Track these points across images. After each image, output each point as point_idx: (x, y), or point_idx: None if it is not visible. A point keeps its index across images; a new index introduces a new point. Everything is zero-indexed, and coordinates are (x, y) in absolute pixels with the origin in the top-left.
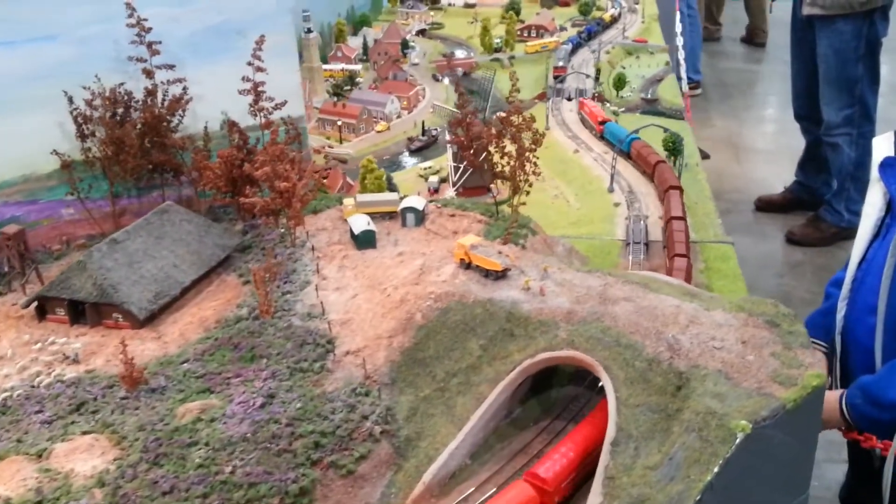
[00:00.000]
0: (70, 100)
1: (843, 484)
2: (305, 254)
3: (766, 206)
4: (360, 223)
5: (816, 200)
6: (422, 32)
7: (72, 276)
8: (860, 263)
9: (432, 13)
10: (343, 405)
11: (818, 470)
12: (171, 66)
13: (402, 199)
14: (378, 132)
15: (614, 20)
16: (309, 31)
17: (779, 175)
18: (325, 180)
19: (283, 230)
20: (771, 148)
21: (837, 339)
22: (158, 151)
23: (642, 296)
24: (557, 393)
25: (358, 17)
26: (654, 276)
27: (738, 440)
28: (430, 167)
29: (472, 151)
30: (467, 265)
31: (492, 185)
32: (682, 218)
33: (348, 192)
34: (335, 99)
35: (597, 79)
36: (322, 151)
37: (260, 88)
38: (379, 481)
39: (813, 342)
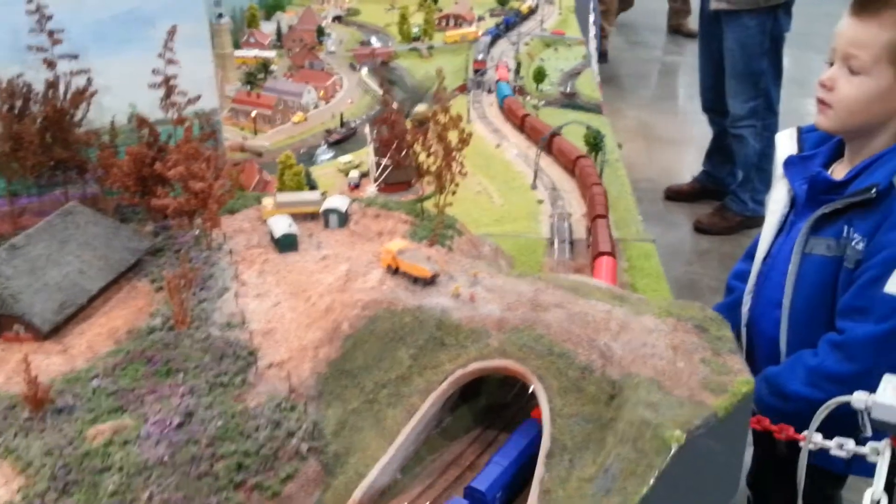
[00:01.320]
0: None
1: (750, 469)
2: (223, 258)
3: (674, 195)
4: (281, 225)
5: (723, 190)
6: (338, 19)
7: None
8: (765, 258)
9: None
10: (267, 422)
11: None
12: (75, 56)
13: (323, 198)
14: (295, 123)
15: (532, 11)
16: (220, 15)
17: (688, 165)
18: (240, 175)
19: (198, 232)
20: (681, 138)
21: (743, 331)
22: (61, 147)
23: (573, 301)
24: (488, 400)
25: (272, 1)
26: (584, 281)
27: (672, 451)
28: (350, 161)
29: (396, 149)
30: (395, 271)
31: (415, 182)
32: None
33: (265, 188)
34: (248, 88)
35: (517, 72)
36: (239, 145)
37: (172, 82)
38: (306, 502)
39: None
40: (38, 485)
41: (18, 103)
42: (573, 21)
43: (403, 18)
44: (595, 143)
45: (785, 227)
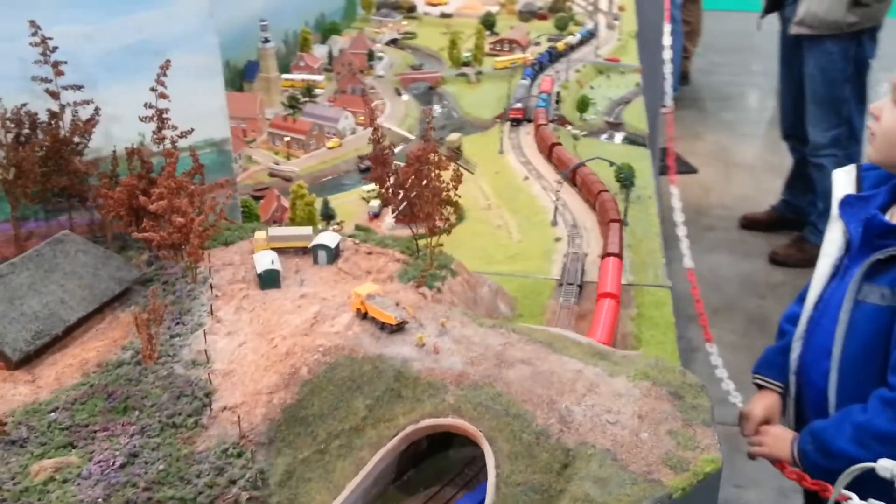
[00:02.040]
0: None
1: None
2: (203, 292)
3: (750, 224)
4: (263, 261)
5: (802, 220)
6: (393, 42)
7: None
8: (816, 303)
9: (405, 22)
10: (210, 468)
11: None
12: (79, 87)
13: (315, 234)
14: (329, 149)
15: (570, 48)
16: (266, 40)
17: (767, 193)
18: (260, 201)
19: (184, 264)
20: (760, 164)
21: (792, 379)
22: (60, 176)
23: (543, 358)
24: (455, 454)
25: (328, 24)
26: (563, 335)
27: None
28: (372, 190)
29: (388, 189)
30: (364, 315)
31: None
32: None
33: (282, 216)
34: (290, 112)
35: (557, 101)
36: (268, 170)
37: (164, 115)
38: None
39: (768, 381)
40: None
41: (25, 132)
42: (632, 47)
43: (453, 43)
44: (623, 180)
45: (839, 272)
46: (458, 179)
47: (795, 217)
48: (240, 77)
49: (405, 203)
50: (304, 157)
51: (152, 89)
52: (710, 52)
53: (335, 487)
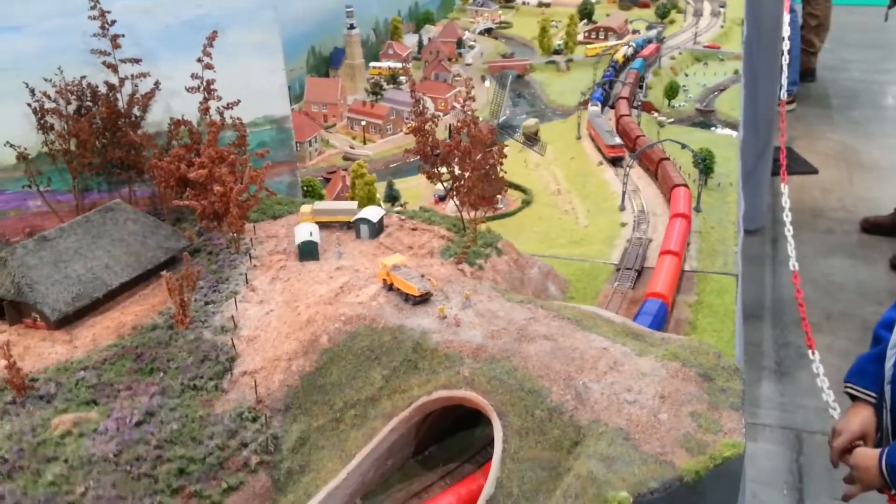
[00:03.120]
0: (32, 92)
1: None
2: (245, 262)
3: (872, 227)
4: (302, 233)
5: None
6: (487, 31)
7: None
8: None
9: (501, 12)
10: (224, 430)
11: None
12: (137, 61)
13: (359, 209)
14: (406, 134)
15: (628, 60)
16: (351, 27)
17: (892, 195)
18: (328, 181)
19: (229, 236)
20: (887, 166)
21: (887, 389)
22: (116, 148)
23: (568, 334)
24: (481, 432)
25: (421, 14)
26: (596, 312)
27: None
28: (443, 173)
29: (433, 163)
30: (390, 286)
31: (500, 198)
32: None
33: (346, 196)
34: (373, 97)
35: (641, 86)
36: (344, 153)
37: (211, 86)
38: None
39: (861, 391)
40: None
41: (87, 103)
42: (736, 34)
43: (544, 31)
44: (700, 165)
45: None
46: (501, 154)
47: None
48: (325, 63)
49: (451, 180)
50: (380, 142)
51: (198, 60)
52: (839, 47)
53: (347, 456)
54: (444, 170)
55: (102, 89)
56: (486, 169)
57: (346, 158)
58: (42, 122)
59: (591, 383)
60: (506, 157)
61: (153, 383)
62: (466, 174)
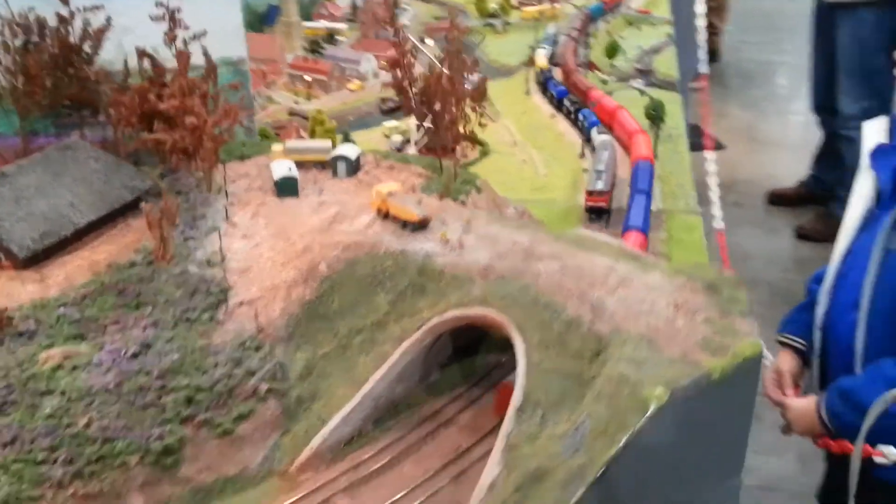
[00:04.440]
0: None
1: (820, 485)
2: (219, 199)
3: (778, 199)
4: (281, 169)
5: (831, 196)
6: None
7: None
8: (845, 256)
9: None
10: (227, 359)
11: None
12: None
13: (333, 147)
14: (351, 91)
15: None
16: None
17: (794, 169)
18: (278, 135)
19: (198, 174)
20: (788, 141)
21: (816, 335)
22: (70, 84)
23: (572, 254)
24: (481, 360)
25: None
26: (592, 236)
27: (650, 411)
28: (395, 126)
29: (409, 95)
30: (385, 215)
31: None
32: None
33: None
34: (315, 55)
35: (586, 45)
36: (288, 109)
37: (177, 14)
38: (261, 444)
39: (790, 339)
40: None
41: (32, 38)
42: (665, 2)
43: None
44: (655, 114)
45: (868, 223)
46: (483, 93)
47: (824, 192)
48: (260, 21)
49: (429, 117)
50: (326, 98)
51: None
52: (740, 30)
53: (357, 382)
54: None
55: (52, 22)
56: (471, 105)
57: (291, 114)
58: None
59: (604, 297)
60: (485, 93)
61: (143, 317)
62: (449, 108)
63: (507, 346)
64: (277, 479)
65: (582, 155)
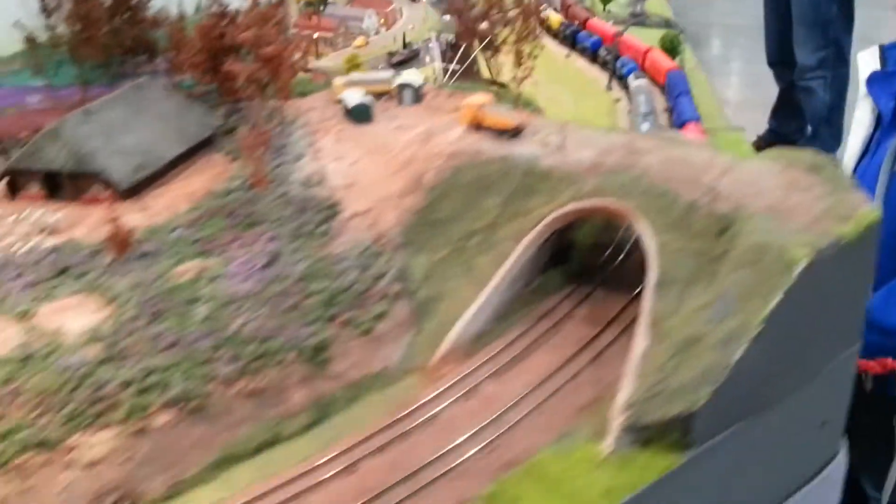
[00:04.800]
0: None
1: None
2: (296, 130)
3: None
4: (354, 97)
5: (790, 144)
6: None
7: (44, 145)
8: None
9: None
10: (353, 265)
11: None
12: None
13: (396, 76)
14: (357, 48)
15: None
16: None
17: (751, 124)
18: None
19: (271, 106)
20: (741, 100)
21: None
22: (129, 29)
23: (671, 148)
24: (577, 265)
25: None
26: (676, 135)
27: (798, 269)
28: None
29: (468, 23)
30: (477, 126)
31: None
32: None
33: None
34: (319, 8)
35: None
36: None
37: None
38: (398, 342)
39: None
40: (127, 313)
41: None
42: None
43: None
44: (672, 46)
45: (871, 149)
46: (537, 13)
47: (783, 144)
48: None
49: (487, 41)
50: (334, 55)
51: None
52: None
53: (479, 281)
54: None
55: None
56: (530, 30)
57: (306, 71)
58: (45, 2)
59: (715, 182)
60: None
61: (261, 234)
62: (509, 33)
63: (597, 249)
64: (418, 374)
65: (609, 87)
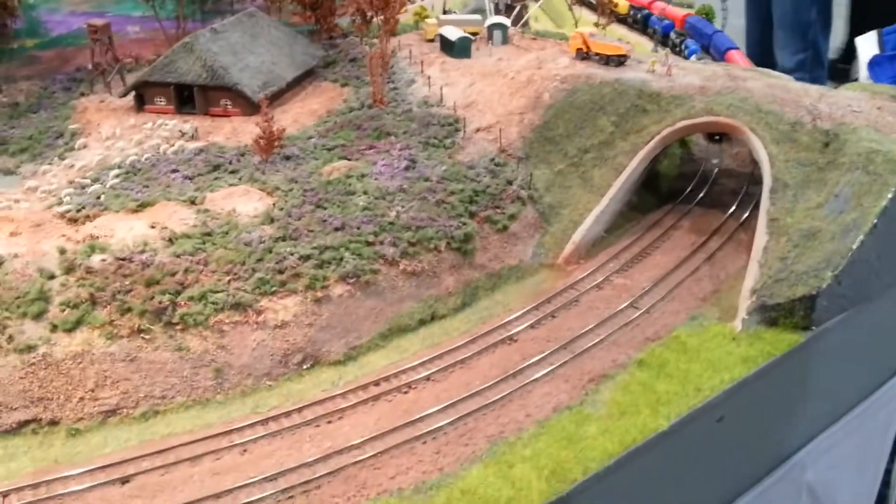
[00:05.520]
0: None
1: None
2: (400, 61)
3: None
4: (454, 33)
5: None
6: None
7: (177, 59)
8: None
9: None
10: (485, 171)
11: None
12: None
13: (484, 18)
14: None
15: None
16: None
17: None
18: None
19: (370, 43)
20: None
21: None
22: None
23: (768, 76)
24: (665, 191)
25: None
26: (765, 70)
27: None
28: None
29: None
30: (585, 55)
31: None
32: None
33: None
34: None
35: None
36: None
37: None
38: (529, 240)
39: None
40: (291, 201)
41: None
42: None
43: None
44: (707, 16)
45: None
46: None
47: None
48: None
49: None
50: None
51: None
52: None
53: (596, 190)
54: None
55: None
56: None
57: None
58: None
59: (815, 104)
60: None
61: (393, 143)
62: None
63: (683, 177)
64: (548, 269)
65: (655, 50)
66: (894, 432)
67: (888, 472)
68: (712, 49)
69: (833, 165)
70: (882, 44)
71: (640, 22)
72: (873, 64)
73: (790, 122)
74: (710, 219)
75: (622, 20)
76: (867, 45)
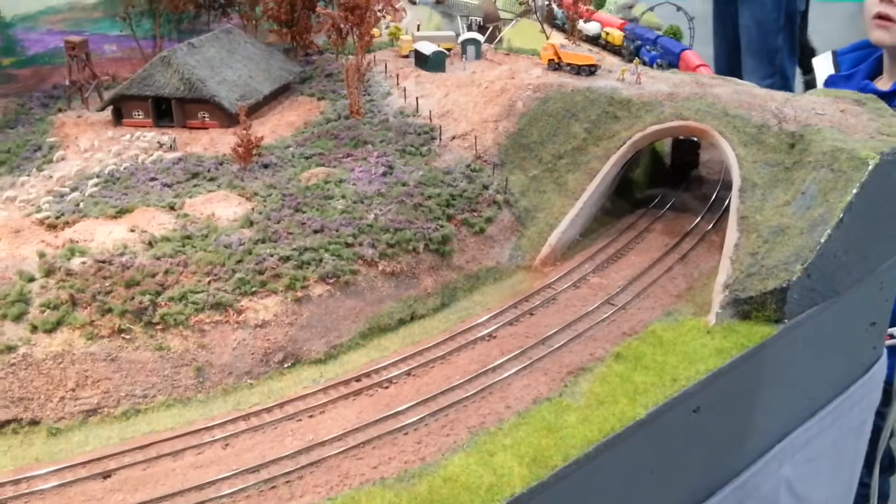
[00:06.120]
0: None
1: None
2: (376, 75)
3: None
4: (429, 48)
5: None
6: None
7: (154, 72)
8: None
9: None
10: (462, 176)
11: None
12: None
13: (457, 35)
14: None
15: None
16: None
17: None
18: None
19: (346, 58)
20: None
21: None
22: None
23: (734, 84)
24: (636, 197)
25: None
26: (731, 79)
27: (870, 166)
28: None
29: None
30: (556, 65)
31: None
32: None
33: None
34: None
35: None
36: None
37: None
38: (506, 243)
39: None
40: (270, 205)
41: None
42: None
43: None
44: (675, 36)
45: None
46: None
47: None
48: None
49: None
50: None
51: None
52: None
53: (571, 194)
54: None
55: None
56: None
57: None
58: None
59: (781, 107)
60: None
61: (370, 150)
62: None
63: (655, 182)
64: (525, 270)
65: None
66: (869, 430)
67: (869, 467)
68: (663, 53)
69: (799, 165)
70: (837, 64)
71: (633, 53)
72: (829, 84)
73: (757, 125)
74: (681, 221)
75: (617, 52)
76: (823, 66)
